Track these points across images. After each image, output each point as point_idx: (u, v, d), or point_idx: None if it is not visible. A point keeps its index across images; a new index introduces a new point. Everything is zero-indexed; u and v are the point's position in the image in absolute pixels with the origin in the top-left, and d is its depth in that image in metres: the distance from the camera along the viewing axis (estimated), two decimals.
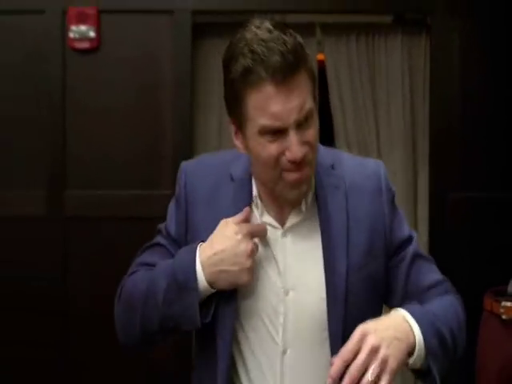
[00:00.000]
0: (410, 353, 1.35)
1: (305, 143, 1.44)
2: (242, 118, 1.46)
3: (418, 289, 1.57)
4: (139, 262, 1.67)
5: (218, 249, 1.45)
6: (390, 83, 3.46)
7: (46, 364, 3.29)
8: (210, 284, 1.43)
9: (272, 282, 1.55)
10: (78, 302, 3.26)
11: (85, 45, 3.26)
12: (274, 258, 1.56)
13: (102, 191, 3.31)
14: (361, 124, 3.50)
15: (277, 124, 1.40)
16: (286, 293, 1.55)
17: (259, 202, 1.58)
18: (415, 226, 3.47)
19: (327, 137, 3.45)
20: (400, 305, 1.48)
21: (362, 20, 3.40)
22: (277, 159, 1.43)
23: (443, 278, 1.62)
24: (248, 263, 1.44)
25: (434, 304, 1.51)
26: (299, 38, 1.41)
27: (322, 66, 3.41)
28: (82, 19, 3.25)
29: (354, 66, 3.45)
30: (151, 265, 1.61)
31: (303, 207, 1.55)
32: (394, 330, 1.35)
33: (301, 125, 1.42)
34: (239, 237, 1.45)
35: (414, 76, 3.46)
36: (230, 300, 1.53)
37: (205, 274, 1.44)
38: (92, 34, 3.24)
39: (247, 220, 1.51)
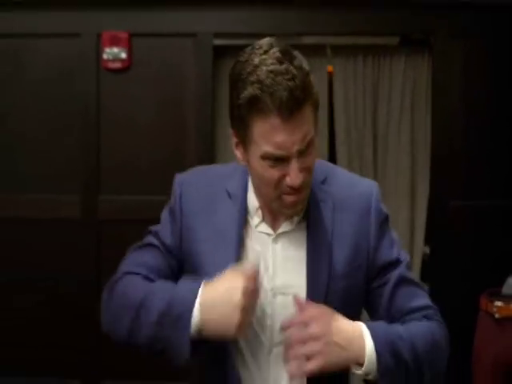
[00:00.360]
0: (360, 364, 1.39)
1: (304, 169, 1.46)
2: (246, 138, 1.48)
3: (402, 312, 1.58)
4: (132, 261, 1.64)
5: (217, 296, 1.42)
6: (392, 100, 3.52)
7: (79, 367, 3.37)
8: (200, 329, 1.40)
9: (262, 285, 1.57)
10: None
11: (117, 65, 3.43)
12: (265, 262, 1.59)
13: (132, 197, 3.42)
14: (362, 139, 3.54)
15: (280, 153, 1.42)
16: (274, 295, 1.58)
17: (259, 213, 1.60)
18: (412, 234, 3.53)
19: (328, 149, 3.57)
20: None
21: (369, 42, 3.49)
22: (277, 182, 1.47)
23: (430, 304, 1.61)
24: (240, 318, 1.39)
25: (407, 326, 1.51)
26: (306, 67, 1.41)
27: (330, 77, 3.51)
28: (114, 42, 3.41)
29: (359, 85, 3.51)
30: (144, 265, 1.60)
31: (295, 218, 1.58)
32: (344, 337, 1.40)
33: (302, 153, 1.44)
34: (240, 291, 1.40)
35: (416, 93, 3.52)
36: None
37: (199, 317, 1.41)
38: (123, 55, 3.41)
39: (254, 277, 1.46)
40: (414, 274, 3.44)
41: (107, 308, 1.55)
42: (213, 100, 3.47)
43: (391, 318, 1.55)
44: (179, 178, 1.69)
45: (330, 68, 3.48)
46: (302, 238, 1.59)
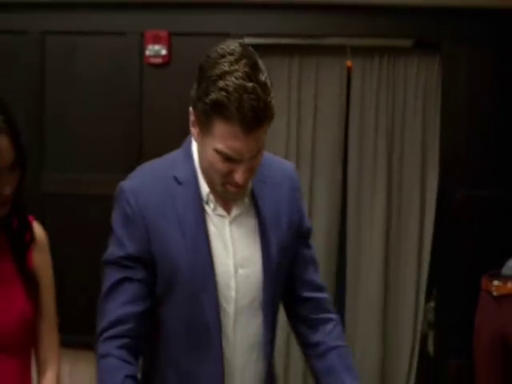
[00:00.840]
0: None
1: (250, 169, 1.57)
2: (205, 128, 1.54)
3: (305, 281, 1.80)
4: (108, 319, 1.63)
5: None
6: (406, 99, 3.66)
7: None
8: None
9: (224, 262, 1.67)
10: None
11: (158, 60, 3.63)
12: (225, 242, 1.68)
13: None
14: (375, 134, 3.69)
15: (234, 156, 1.52)
16: (236, 270, 1.68)
17: (211, 198, 1.67)
18: (422, 223, 3.70)
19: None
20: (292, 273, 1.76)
21: (384, 43, 3.63)
22: (225, 175, 1.57)
23: (324, 285, 1.87)
24: None
25: (351, 376, 1.73)
26: (268, 83, 1.49)
27: (349, 72, 3.68)
28: (156, 40, 3.61)
29: (375, 82, 3.65)
30: (119, 321, 1.62)
31: (245, 199, 1.69)
32: None
33: (252, 158, 1.55)
34: None
35: (427, 94, 3.64)
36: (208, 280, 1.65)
37: None
38: (164, 51, 3.62)
39: None
40: (426, 257, 3.56)
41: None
42: None
43: (292, 278, 1.77)
44: (127, 185, 1.66)
45: (349, 63, 3.66)
46: (252, 216, 1.70)
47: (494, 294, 3.00)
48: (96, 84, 3.70)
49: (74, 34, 3.68)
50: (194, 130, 1.61)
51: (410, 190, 3.73)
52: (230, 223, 1.69)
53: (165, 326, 1.71)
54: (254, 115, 1.45)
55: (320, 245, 3.73)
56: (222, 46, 1.52)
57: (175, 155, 1.73)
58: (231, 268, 1.68)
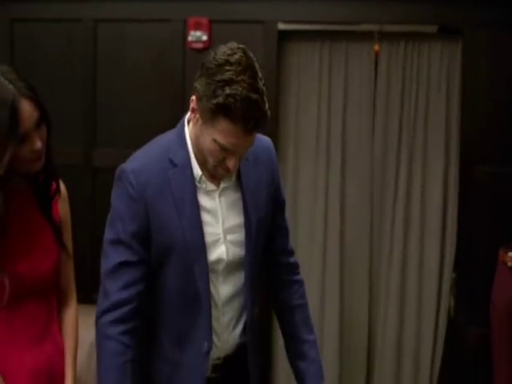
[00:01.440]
0: None
1: (241, 157, 1.77)
2: (207, 118, 1.68)
3: (284, 250, 2.06)
4: (109, 299, 1.78)
5: None
6: (430, 84, 3.73)
7: None
8: None
9: (215, 232, 1.86)
10: None
11: (199, 45, 3.78)
12: (215, 214, 1.86)
13: None
14: (400, 117, 3.77)
15: (229, 148, 1.70)
16: (225, 236, 1.88)
17: (203, 178, 1.83)
18: (445, 207, 3.79)
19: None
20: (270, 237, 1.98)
21: (410, 30, 3.72)
22: (218, 160, 1.74)
23: (293, 249, 2.12)
24: None
25: (307, 331, 2.04)
26: (264, 90, 1.66)
27: (376, 57, 3.78)
28: (197, 27, 3.77)
29: (400, 68, 3.73)
30: (120, 302, 1.77)
31: (232, 176, 1.87)
32: None
33: (245, 149, 1.75)
34: None
35: (450, 79, 3.73)
36: (200, 242, 1.82)
37: None
38: (205, 37, 3.77)
39: None
40: (450, 230, 3.70)
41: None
42: (277, 77, 3.77)
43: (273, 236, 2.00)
44: (128, 167, 1.81)
45: (376, 48, 3.76)
46: (237, 190, 1.90)
47: (509, 264, 3.10)
48: (143, 66, 3.85)
49: (123, 22, 3.85)
50: (192, 116, 1.76)
51: (434, 169, 3.80)
52: (219, 195, 1.87)
53: (159, 295, 1.86)
54: (255, 123, 1.66)
55: (352, 222, 3.88)
56: (227, 52, 1.67)
57: (169, 138, 1.86)
58: (221, 235, 1.87)
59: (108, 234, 1.81)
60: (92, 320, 1.90)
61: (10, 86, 1.86)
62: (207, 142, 1.72)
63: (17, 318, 2.01)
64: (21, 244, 2.00)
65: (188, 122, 1.84)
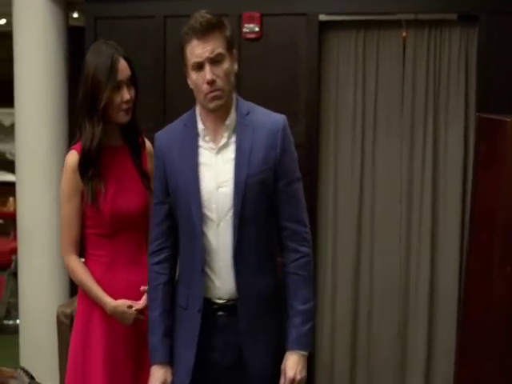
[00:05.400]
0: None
1: (215, 74, 1.97)
2: (186, 65, 2.00)
3: (290, 217, 2.11)
4: (153, 239, 2.22)
5: None
6: (450, 68, 4.07)
7: None
8: None
9: (209, 184, 2.07)
10: None
11: (252, 36, 4.21)
12: (211, 169, 2.07)
13: None
14: (425, 92, 4.11)
15: (198, 60, 1.95)
16: (217, 188, 2.08)
17: (205, 132, 2.06)
18: (466, 175, 4.07)
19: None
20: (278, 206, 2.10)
21: (433, 17, 4.06)
22: (202, 85, 1.98)
23: (305, 223, 2.14)
24: None
25: (296, 299, 2.09)
26: (219, 20, 2.00)
27: (404, 42, 4.11)
28: (251, 20, 4.21)
29: (424, 51, 4.07)
30: (160, 245, 2.18)
31: (226, 136, 2.06)
32: (302, 365, 2.10)
33: (213, 62, 1.97)
34: None
35: (469, 63, 4.05)
36: (197, 195, 2.06)
37: None
38: (257, 29, 4.20)
39: None
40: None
41: None
42: (319, 66, 4.14)
43: (280, 216, 2.12)
44: (156, 135, 2.20)
45: (404, 34, 4.11)
46: (232, 149, 2.09)
47: None
48: None
49: (188, 17, 4.19)
50: (189, 82, 2.09)
51: (455, 149, 4.16)
52: (216, 153, 2.08)
53: (177, 232, 2.22)
54: (202, 25, 1.97)
55: (385, 191, 4.30)
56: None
57: (191, 111, 2.19)
58: (214, 188, 2.08)
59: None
60: None
61: (113, 48, 2.49)
62: (192, 77, 2.02)
63: (117, 245, 2.57)
64: (119, 188, 2.55)
65: None
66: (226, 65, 2.02)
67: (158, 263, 2.20)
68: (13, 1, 4.49)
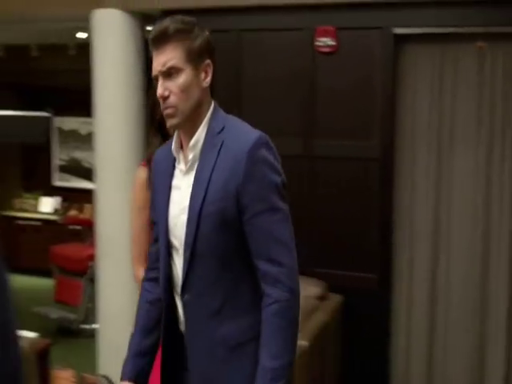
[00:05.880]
0: None
1: (167, 89, 1.79)
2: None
3: (259, 255, 1.80)
4: (150, 247, 2.11)
5: None
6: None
7: None
8: None
9: (176, 207, 1.91)
10: None
11: (327, 49, 4.23)
12: (180, 190, 1.91)
13: (343, 141, 4.27)
14: (506, 103, 4.08)
15: (154, 73, 1.82)
16: (180, 215, 1.89)
17: (175, 154, 1.90)
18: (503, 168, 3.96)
19: None
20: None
21: (495, 30, 4.03)
22: (159, 98, 1.83)
23: (279, 260, 1.79)
24: None
25: (265, 353, 1.75)
26: (179, 28, 1.75)
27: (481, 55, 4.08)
28: (325, 34, 4.23)
29: (500, 62, 4.05)
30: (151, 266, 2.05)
31: (191, 157, 1.85)
32: None
33: (165, 76, 1.79)
34: None
35: None
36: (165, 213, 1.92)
37: None
38: (332, 42, 4.23)
39: None
40: None
41: None
42: (393, 77, 4.15)
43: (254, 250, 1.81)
44: (157, 149, 2.10)
45: (479, 45, 4.06)
46: (193, 172, 1.88)
47: None
48: (281, 68, 4.40)
49: (263, 31, 4.40)
50: None
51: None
52: (183, 176, 1.91)
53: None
54: (155, 35, 1.81)
55: (461, 203, 4.26)
56: None
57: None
58: (177, 214, 1.90)
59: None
60: None
61: None
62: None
63: None
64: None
65: None
66: (181, 79, 1.80)
67: (148, 280, 2.10)
68: (92, 13, 4.65)
